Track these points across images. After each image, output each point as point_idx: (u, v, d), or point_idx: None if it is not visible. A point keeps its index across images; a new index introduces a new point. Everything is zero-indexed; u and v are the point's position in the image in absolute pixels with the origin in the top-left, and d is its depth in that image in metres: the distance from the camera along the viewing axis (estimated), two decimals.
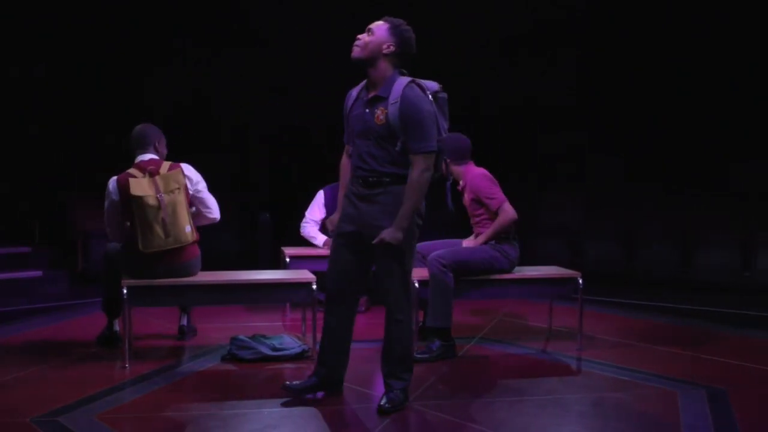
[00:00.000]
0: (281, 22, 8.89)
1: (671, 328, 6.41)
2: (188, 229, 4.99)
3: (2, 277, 7.45)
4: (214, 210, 5.27)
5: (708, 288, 7.99)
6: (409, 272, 4.20)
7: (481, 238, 5.40)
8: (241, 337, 5.18)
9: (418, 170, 3.95)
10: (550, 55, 8.90)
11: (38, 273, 7.66)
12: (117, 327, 5.43)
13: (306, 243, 6.74)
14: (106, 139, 8.52)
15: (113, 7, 8.63)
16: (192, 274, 5.13)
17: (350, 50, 4.06)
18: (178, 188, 4.96)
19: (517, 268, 5.49)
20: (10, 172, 8.76)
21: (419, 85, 4.03)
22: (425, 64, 4.40)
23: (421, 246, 5.66)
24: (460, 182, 5.53)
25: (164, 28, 8.91)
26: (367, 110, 4.05)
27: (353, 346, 4.43)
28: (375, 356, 5.31)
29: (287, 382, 4.38)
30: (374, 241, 4.01)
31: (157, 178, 4.94)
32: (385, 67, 4.03)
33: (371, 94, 4.06)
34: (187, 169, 5.16)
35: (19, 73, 8.71)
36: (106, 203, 5.10)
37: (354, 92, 4.21)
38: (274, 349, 5.13)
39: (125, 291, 4.90)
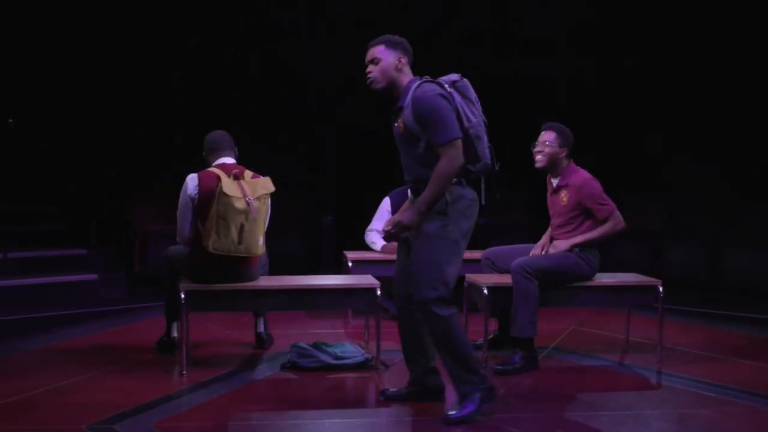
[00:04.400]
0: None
1: (759, 340, 6.11)
2: (261, 241, 4.86)
3: (58, 280, 7.43)
4: None
5: None
6: (445, 264, 3.96)
7: (579, 239, 5.10)
8: (302, 344, 5.04)
9: (445, 159, 3.91)
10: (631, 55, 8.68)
11: (94, 276, 7.62)
12: (175, 333, 5.32)
13: (370, 247, 6.59)
14: (164, 140, 8.54)
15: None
16: (253, 280, 5.01)
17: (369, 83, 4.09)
18: (266, 195, 4.84)
19: None
20: (69, 174, 8.82)
21: (431, 82, 4.05)
22: None
23: (490, 251, 5.45)
24: (555, 181, 5.24)
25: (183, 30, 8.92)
26: (395, 123, 4.13)
27: None
28: None
29: (388, 389, 4.38)
30: (386, 223, 4.05)
31: (242, 182, 4.80)
32: (403, 79, 4.10)
33: (395, 106, 4.13)
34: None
35: (88, 77, 8.76)
36: (181, 199, 4.91)
37: None
38: (337, 357, 4.99)
39: (183, 296, 4.80)
